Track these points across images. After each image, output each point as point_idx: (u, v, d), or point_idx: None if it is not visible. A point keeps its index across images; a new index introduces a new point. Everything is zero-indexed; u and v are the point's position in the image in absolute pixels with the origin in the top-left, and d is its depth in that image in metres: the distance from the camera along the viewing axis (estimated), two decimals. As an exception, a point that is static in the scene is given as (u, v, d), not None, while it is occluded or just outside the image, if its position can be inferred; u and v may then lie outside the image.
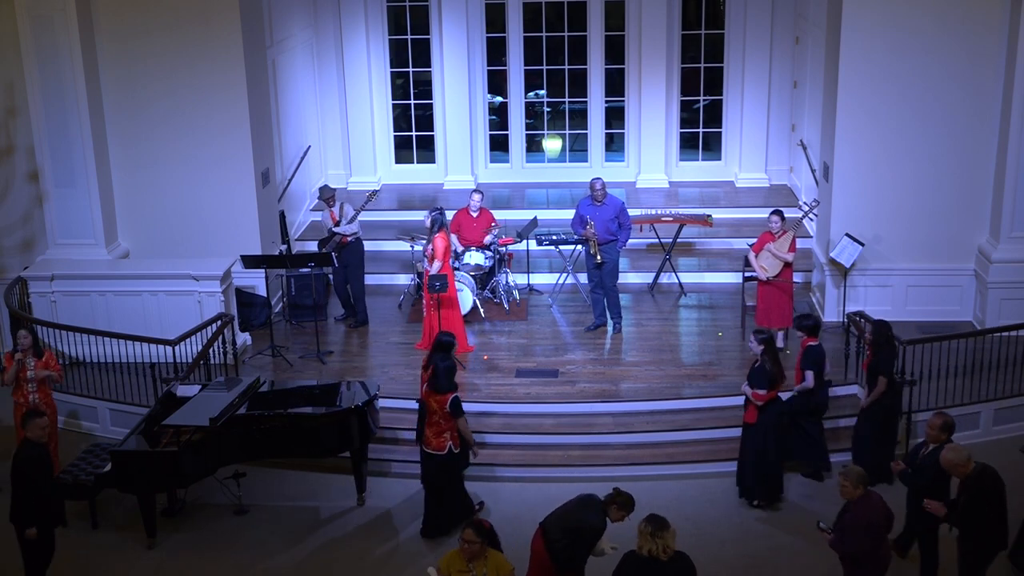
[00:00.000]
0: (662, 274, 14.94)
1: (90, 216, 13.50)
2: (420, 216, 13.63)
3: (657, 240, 15.12)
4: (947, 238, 13.30)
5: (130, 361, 12.20)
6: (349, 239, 13.73)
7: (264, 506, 10.85)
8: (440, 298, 12.55)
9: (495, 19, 17.87)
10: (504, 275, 14.42)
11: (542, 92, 18.28)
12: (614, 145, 18.43)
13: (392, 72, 18.08)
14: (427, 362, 10.37)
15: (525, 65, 18.00)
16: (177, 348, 11.83)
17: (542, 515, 8.50)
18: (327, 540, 10.30)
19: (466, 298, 13.58)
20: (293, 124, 16.25)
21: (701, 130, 18.25)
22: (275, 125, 15.10)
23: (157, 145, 13.63)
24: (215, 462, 10.27)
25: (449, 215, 14.44)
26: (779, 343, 12.50)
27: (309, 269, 13.26)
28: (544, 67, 18.08)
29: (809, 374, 10.66)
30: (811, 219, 13.89)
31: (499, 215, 15.11)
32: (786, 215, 12.87)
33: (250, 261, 13.07)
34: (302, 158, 16.53)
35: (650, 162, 17.81)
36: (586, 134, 18.26)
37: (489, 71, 18.09)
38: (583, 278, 14.45)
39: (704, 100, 18.11)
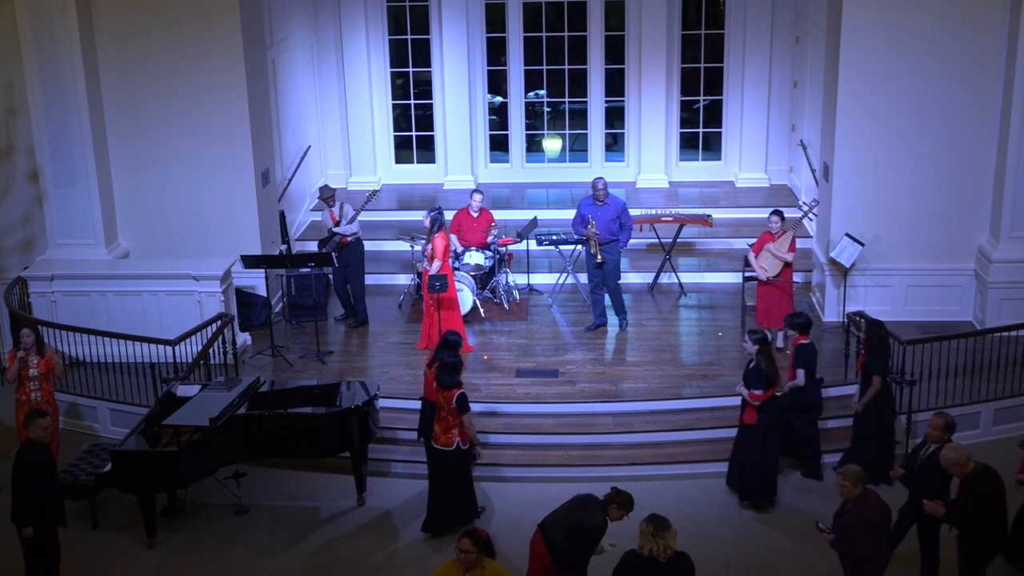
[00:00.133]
0: (662, 274, 14.94)
1: (90, 216, 13.50)
2: (420, 216, 13.62)
3: (657, 240, 15.12)
4: (947, 238, 13.30)
5: (130, 361, 12.20)
6: (349, 239, 13.73)
7: (264, 506, 10.85)
8: (440, 298, 12.55)
9: (495, 19, 17.87)
10: (504, 275, 14.42)
11: (542, 92, 18.28)
12: (614, 145, 18.43)
13: (392, 72, 18.08)
14: (431, 360, 10.42)
15: (525, 65, 18.01)
16: (177, 348, 11.83)
17: (542, 515, 8.51)
18: (327, 540, 10.30)
19: (466, 298, 13.58)
20: (293, 124, 16.25)
21: (701, 130, 18.26)
22: (275, 125, 15.10)
23: (157, 145, 13.63)
24: (215, 462, 10.27)
25: (448, 215, 14.46)
26: (779, 343, 12.51)
27: (309, 269, 13.26)
28: (544, 67, 18.08)
29: (800, 372, 10.67)
30: (811, 219, 13.90)
31: (499, 215, 15.12)
32: (786, 215, 12.88)
33: (250, 261, 13.07)
34: (302, 158, 16.53)
35: (650, 162, 17.82)
36: (586, 134, 18.26)
37: (489, 71, 18.09)
38: (583, 278, 14.44)
39: (704, 100, 18.11)
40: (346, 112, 17.88)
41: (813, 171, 15.25)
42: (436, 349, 10.51)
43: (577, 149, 18.45)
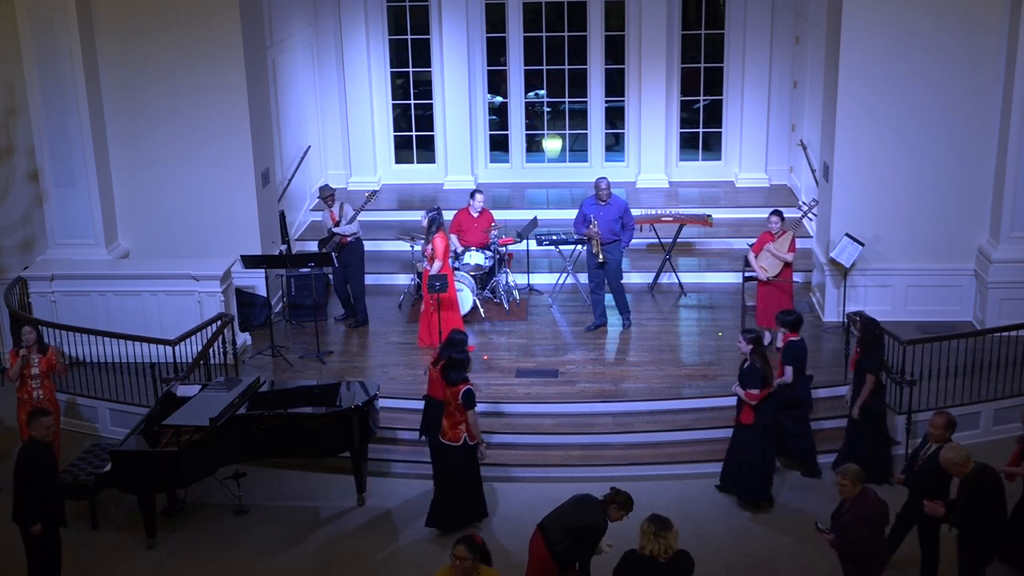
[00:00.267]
0: (662, 274, 14.94)
1: (90, 216, 13.50)
2: (420, 216, 13.61)
3: (657, 240, 15.12)
4: (947, 238, 13.30)
5: (130, 361, 12.20)
6: (349, 239, 13.73)
7: (264, 506, 10.85)
8: (440, 298, 12.55)
9: (495, 19, 17.87)
10: (504, 275, 14.42)
11: (542, 92, 18.28)
12: (615, 145, 18.42)
13: (392, 72, 18.08)
14: (437, 358, 10.48)
15: (525, 65, 18.01)
16: (177, 348, 11.83)
17: (542, 515, 8.51)
18: (327, 540, 10.30)
19: (466, 298, 13.58)
20: (293, 124, 16.25)
21: (701, 130, 18.26)
22: (275, 125, 15.10)
23: (157, 145, 13.63)
24: (215, 462, 10.27)
25: (448, 215, 14.47)
26: (778, 343, 12.50)
27: (309, 269, 13.26)
28: (544, 67, 18.08)
29: (788, 369, 10.69)
30: (810, 219, 13.89)
31: (499, 215, 15.12)
32: (785, 215, 12.88)
33: (250, 261, 13.07)
34: (302, 158, 16.53)
35: (650, 162, 17.82)
36: (586, 134, 18.26)
37: (489, 71, 18.09)
38: (583, 278, 14.45)
39: (704, 100, 18.11)
40: (346, 112, 17.88)
41: (813, 171, 15.25)
42: (442, 347, 10.56)
43: (577, 149, 18.45)
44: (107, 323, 12.86)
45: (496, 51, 18.02)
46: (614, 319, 13.74)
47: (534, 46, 17.94)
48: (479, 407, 11.40)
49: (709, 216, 15.40)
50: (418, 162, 18.48)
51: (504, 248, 14.45)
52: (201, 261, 13.23)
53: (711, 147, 18.28)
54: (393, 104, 18.22)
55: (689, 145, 18.36)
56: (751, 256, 12.79)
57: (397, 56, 18.04)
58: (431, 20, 17.68)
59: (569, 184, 17.88)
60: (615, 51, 17.88)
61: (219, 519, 10.66)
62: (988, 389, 11.64)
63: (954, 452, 8.28)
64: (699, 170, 18.20)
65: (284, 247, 14.64)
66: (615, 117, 18.23)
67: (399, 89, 18.24)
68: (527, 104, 18.29)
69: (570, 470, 11.20)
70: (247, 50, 13.44)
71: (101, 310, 13.06)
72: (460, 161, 17.93)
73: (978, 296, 13.29)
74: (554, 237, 14.53)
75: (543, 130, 18.51)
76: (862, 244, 13.00)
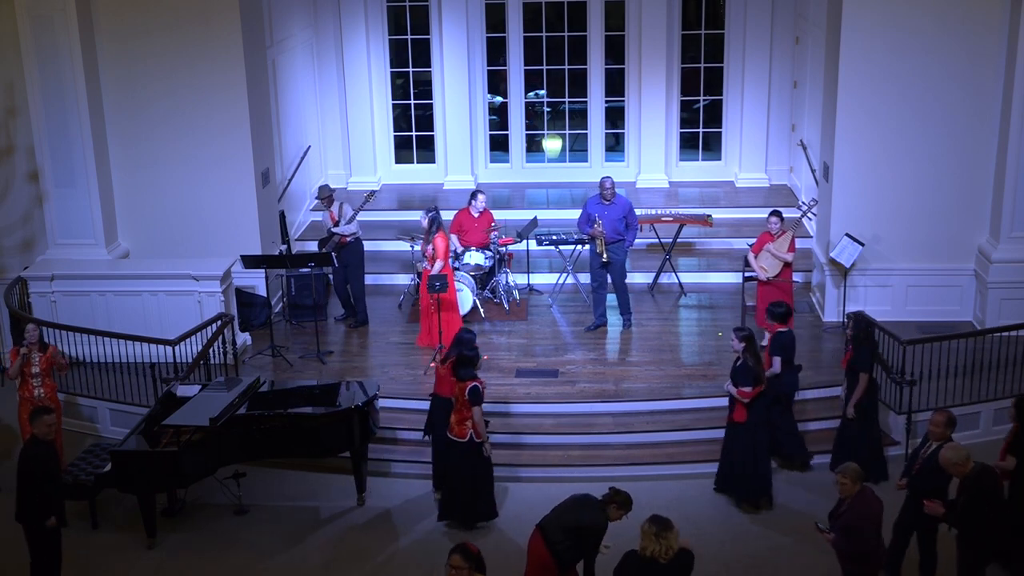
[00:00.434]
0: (662, 274, 14.94)
1: (90, 216, 13.50)
2: (419, 216, 13.60)
3: (657, 240, 15.12)
4: (947, 238, 13.29)
5: (130, 361, 12.20)
6: (348, 239, 13.73)
7: (264, 506, 10.85)
8: (440, 298, 12.54)
9: (495, 19, 17.87)
10: (504, 275, 14.42)
11: (542, 92, 18.28)
12: (615, 145, 18.42)
13: (392, 72, 18.08)
14: (446, 356, 10.59)
15: (525, 65, 18.00)
16: (177, 348, 11.83)
17: (542, 515, 8.51)
18: (327, 540, 10.30)
19: (466, 298, 13.58)
20: (293, 124, 16.25)
21: (701, 130, 18.25)
22: (275, 125, 15.10)
23: (157, 145, 13.63)
24: (215, 462, 10.27)
25: (448, 215, 14.47)
26: (764, 341, 12.48)
27: (309, 269, 13.26)
28: (544, 67, 18.07)
29: (776, 360, 10.70)
30: (810, 218, 13.89)
31: (499, 215, 15.11)
32: (784, 215, 12.88)
33: (250, 261, 13.07)
34: (302, 158, 16.53)
35: (650, 162, 17.81)
36: (586, 134, 18.26)
37: (489, 71, 18.09)
38: (583, 278, 14.46)
39: (704, 100, 18.11)
40: (346, 112, 17.88)
41: (813, 171, 15.25)
42: (451, 345, 10.66)
43: (577, 149, 18.44)
44: (107, 323, 12.86)
45: (496, 51, 18.02)
46: (614, 319, 13.74)
47: (534, 46, 17.94)
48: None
49: (709, 216, 15.40)
50: (418, 162, 18.48)
51: (504, 248, 14.45)
52: (201, 261, 13.23)
53: (711, 147, 18.28)
54: (393, 104, 18.22)
55: (689, 145, 18.36)
56: (751, 256, 12.79)
57: (397, 56, 18.04)
58: (431, 20, 17.68)
59: (569, 184, 17.89)
60: (615, 51, 17.88)
61: (219, 519, 10.66)
62: (988, 389, 11.64)
63: (953, 452, 8.28)
64: (699, 170, 18.20)
65: (284, 247, 14.64)
66: (615, 117, 18.23)
67: (399, 89, 18.24)
68: (527, 104, 18.29)
69: (570, 470, 11.20)
70: (247, 50, 13.44)
71: (101, 310, 13.06)
72: (460, 161, 17.93)
73: (978, 296, 13.29)
74: (554, 237, 14.54)
75: (543, 130, 18.51)
76: (862, 244, 13.00)
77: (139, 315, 12.94)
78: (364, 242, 14.08)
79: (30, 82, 13.18)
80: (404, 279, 15.17)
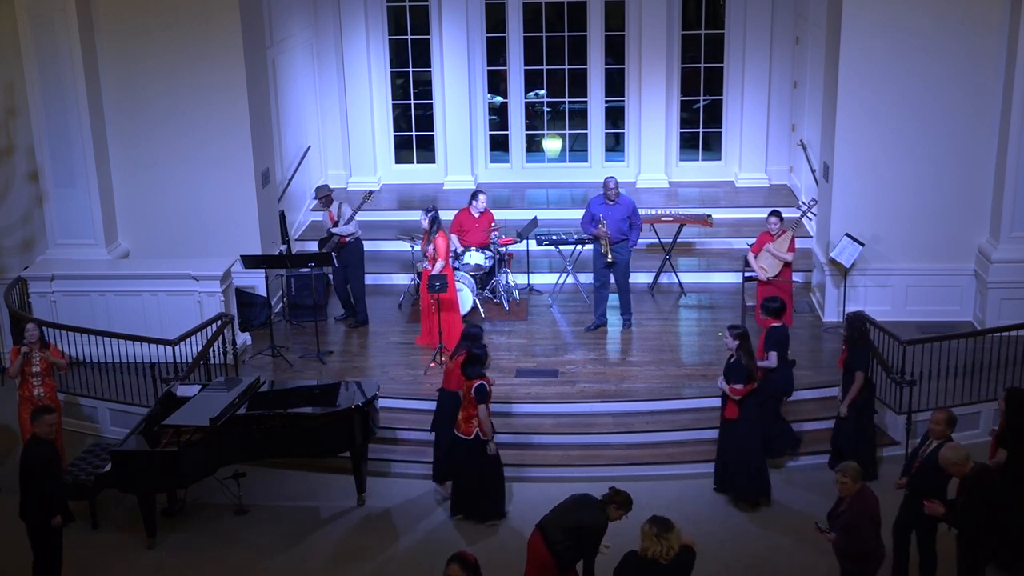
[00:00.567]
0: (662, 274, 14.94)
1: (90, 216, 13.50)
2: (419, 216, 13.60)
3: (657, 240, 15.12)
4: (947, 238, 13.30)
5: (130, 361, 12.20)
6: (347, 239, 13.73)
7: (264, 506, 10.85)
8: (440, 298, 12.54)
9: (495, 19, 17.87)
10: (504, 275, 14.42)
11: (542, 92, 18.28)
12: (616, 146, 18.42)
13: (392, 72, 18.08)
14: (454, 351, 10.65)
15: (525, 65, 18.00)
16: (177, 348, 11.83)
17: (542, 515, 8.51)
18: (327, 540, 10.30)
19: (466, 298, 13.58)
20: (293, 124, 16.25)
21: (701, 130, 18.25)
22: (275, 125, 15.10)
23: (157, 145, 13.63)
24: (215, 462, 10.27)
25: (448, 215, 14.47)
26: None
27: (309, 269, 13.26)
28: (544, 67, 18.07)
29: (772, 354, 10.73)
30: (810, 218, 13.89)
31: (499, 215, 15.11)
32: (784, 215, 12.88)
33: (250, 261, 13.07)
34: (302, 158, 16.53)
35: (650, 162, 17.81)
36: (586, 134, 18.26)
37: (489, 71, 18.09)
38: (583, 278, 14.46)
39: (704, 100, 18.11)
40: (346, 112, 17.88)
41: (813, 171, 15.25)
42: (460, 340, 10.73)
43: (577, 149, 18.44)
44: (107, 323, 12.86)
45: (496, 51, 18.02)
46: (614, 319, 13.74)
47: (534, 46, 17.94)
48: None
49: (709, 216, 15.40)
50: (418, 162, 18.48)
51: (504, 248, 14.45)
52: (201, 261, 13.23)
53: (711, 147, 18.28)
54: (393, 104, 18.22)
55: (689, 145, 18.36)
56: (750, 256, 12.79)
57: (397, 56, 18.04)
58: (431, 20, 17.68)
59: (569, 184, 17.89)
60: (615, 51, 17.88)
61: (219, 519, 10.66)
62: (988, 389, 11.63)
63: (953, 452, 8.28)
64: (699, 170, 18.20)
65: (284, 247, 14.64)
66: (615, 117, 18.23)
67: (399, 89, 18.24)
68: (527, 104, 18.29)
69: (570, 470, 11.20)
70: (247, 50, 13.44)
71: (101, 310, 13.06)
72: (460, 161, 17.93)
73: (978, 296, 13.29)
74: (554, 237, 14.54)
75: (543, 130, 18.51)
76: (862, 244, 13.00)
77: (139, 315, 12.94)
78: (364, 242, 14.08)
79: (30, 82, 13.18)
80: (404, 279, 15.17)
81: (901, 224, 13.25)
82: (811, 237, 14.80)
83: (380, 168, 18.24)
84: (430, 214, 13.08)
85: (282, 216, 15.08)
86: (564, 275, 14.71)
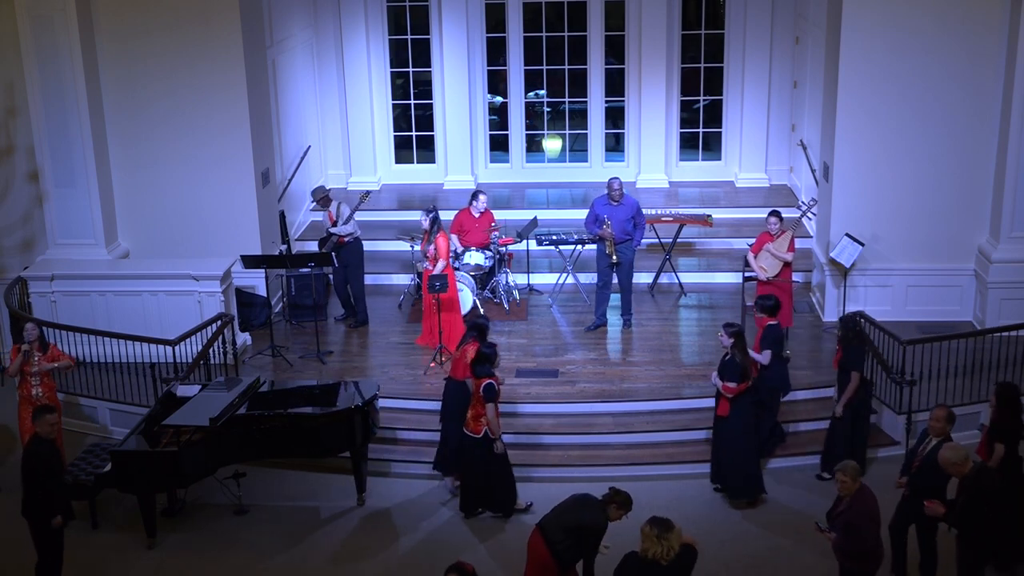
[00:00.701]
0: (662, 274, 14.94)
1: (90, 216, 13.50)
2: (419, 216, 13.60)
3: (657, 240, 15.11)
4: (947, 238, 13.30)
5: (130, 361, 12.20)
6: (347, 239, 13.72)
7: (264, 506, 10.85)
8: (440, 298, 12.54)
9: (495, 19, 17.87)
10: (504, 275, 14.42)
11: (542, 92, 18.28)
12: (616, 146, 18.42)
13: (392, 72, 18.07)
14: (461, 340, 10.72)
15: (525, 65, 18.00)
16: (177, 348, 11.83)
17: (542, 515, 8.51)
18: (327, 540, 10.30)
19: (466, 298, 13.57)
20: (293, 124, 16.25)
21: (701, 130, 18.25)
22: (275, 125, 15.10)
23: (157, 145, 13.63)
24: (215, 462, 10.28)
25: (448, 215, 14.46)
26: None
27: (309, 269, 13.26)
28: (544, 67, 18.07)
29: (767, 352, 10.74)
30: (809, 218, 13.88)
31: (499, 215, 15.10)
32: (784, 215, 12.88)
33: (250, 261, 13.07)
34: (302, 158, 16.53)
35: (650, 162, 17.81)
36: (586, 134, 18.26)
37: (489, 71, 18.09)
38: (583, 278, 14.45)
39: (704, 100, 18.11)
40: (346, 112, 17.88)
41: (813, 171, 15.25)
42: (467, 330, 10.77)
43: (577, 149, 18.44)
44: (107, 323, 12.86)
45: (496, 51, 18.02)
46: (614, 319, 13.74)
47: (534, 46, 17.94)
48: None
49: (709, 216, 15.40)
50: (418, 162, 18.48)
51: (504, 248, 14.45)
52: (201, 261, 13.23)
53: (711, 147, 18.28)
54: (393, 104, 18.22)
55: (689, 145, 18.36)
56: (750, 256, 12.79)
57: (397, 56, 18.04)
58: (431, 20, 17.68)
59: (569, 184, 17.89)
60: (615, 51, 17.88)
61: (219, 519, 10.66)
62: (988, 389, 11.53)
63: (952, 452, 8.27)
64: (699, 170, 18.20)
65: (284, 247, 14.64)
66: (615, 117, 18.23)
67: (399, 89, 18.24)
68: (527, 104, 18.29)
69: (570, 470, 11.20)
70: (247, 50, 13.44)
71: (101, 310, 13.06)
72: (460, 161, 17.93)
73: (978, 296, 13.29)
74: (554, 237, 14.54)
75: (543, 130, 18.51)
76: (862, 244, 13.00)
77: (139, 315, 12.94)
78: (364, 242, 14.08)
79: (30, 82, 13.19)
80: (404, 279, 15.17)
81: (901, 224, 13.25)
82: (811, 237, 14.81)
83: (380, 168, 18.24)
84: (430, 214, 13.08)
85: (282, 216, 15.08)
86: (564, 275, 14.71)
